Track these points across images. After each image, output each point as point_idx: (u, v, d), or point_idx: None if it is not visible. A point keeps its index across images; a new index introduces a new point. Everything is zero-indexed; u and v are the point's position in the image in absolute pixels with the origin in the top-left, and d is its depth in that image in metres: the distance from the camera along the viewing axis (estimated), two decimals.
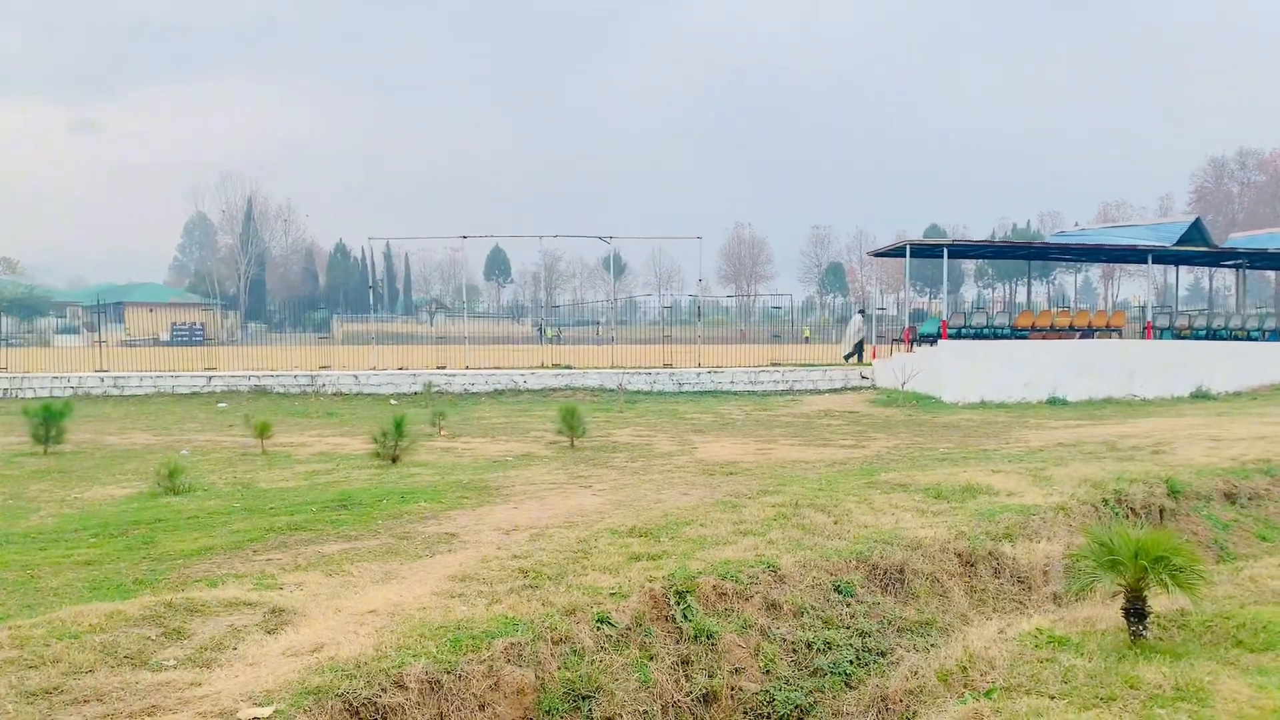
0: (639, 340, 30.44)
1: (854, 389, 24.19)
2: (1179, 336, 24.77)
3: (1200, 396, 22.22)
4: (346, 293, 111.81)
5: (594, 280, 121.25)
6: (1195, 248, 23.89)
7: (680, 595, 6.93)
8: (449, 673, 5.53)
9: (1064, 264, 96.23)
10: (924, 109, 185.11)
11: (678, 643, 6.63)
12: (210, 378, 23.04)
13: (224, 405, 21.20)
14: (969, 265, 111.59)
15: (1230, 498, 11.36)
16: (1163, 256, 25.17)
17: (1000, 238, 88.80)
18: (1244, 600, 6.56)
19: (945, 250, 23.38)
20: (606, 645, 6.33)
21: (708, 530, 8.52)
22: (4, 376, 23.85)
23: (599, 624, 6.44)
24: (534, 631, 6.08)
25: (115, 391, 23.12)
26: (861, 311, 32.54)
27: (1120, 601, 5.73)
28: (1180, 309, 30.32)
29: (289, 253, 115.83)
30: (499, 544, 8.22)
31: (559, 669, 6.01)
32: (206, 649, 5.65)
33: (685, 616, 6.82)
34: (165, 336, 62.97)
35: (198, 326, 68.10)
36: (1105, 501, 9.87)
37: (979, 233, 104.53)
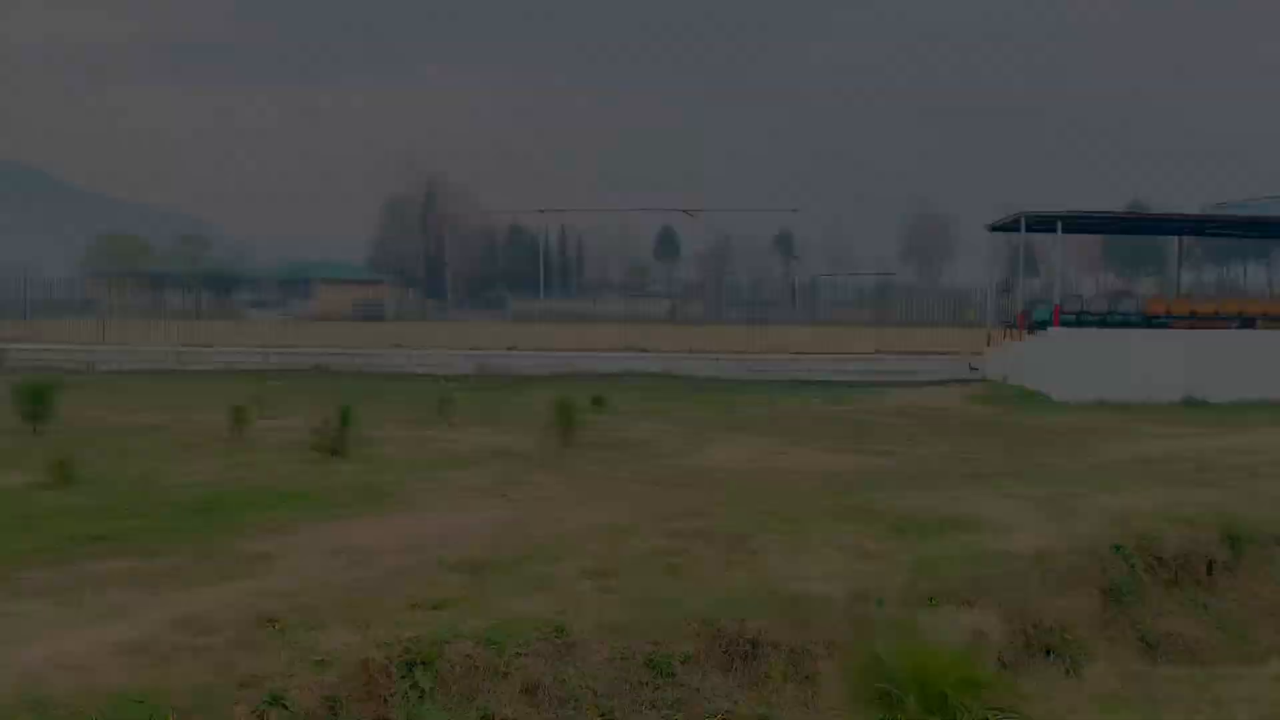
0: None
1: (961, 382, 21.46)
2: None
3: None
4: (520, 272, 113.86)
5: (765, 259, 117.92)
6: None
7: (409, 667, 5.29)
8: None
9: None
10: (1139, 79, 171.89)
11: None
12: (267, 354, 22.86)
13: (276, 383, 20.81)
14: (1174, 245, 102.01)
15: None
16: None
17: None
18: None
19: (1059, 223, 20.25)
20: None
21: (557, 566, 6.82)
22: (83, 349, 24.27)
23: (268, 706, 4.88)
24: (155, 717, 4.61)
25: (181, 368, 23.25)
26: (1006, 290, 29.41)
27: None
28: None
29: (471, 233, 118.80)
30: (302, 571, 6.87)
31: None
32: None
33: (406, 698, 5.18)
34: (348, 311, 65.35)
35: (376, 303, 70.49)
36: (1118, 549, 7.46)
37: (1191, 209, 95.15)
